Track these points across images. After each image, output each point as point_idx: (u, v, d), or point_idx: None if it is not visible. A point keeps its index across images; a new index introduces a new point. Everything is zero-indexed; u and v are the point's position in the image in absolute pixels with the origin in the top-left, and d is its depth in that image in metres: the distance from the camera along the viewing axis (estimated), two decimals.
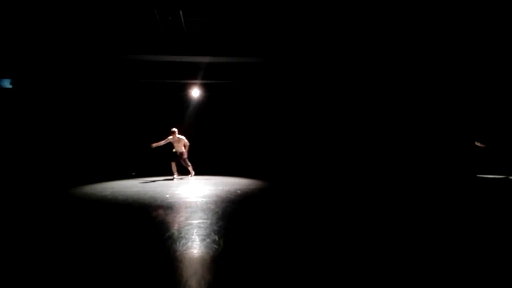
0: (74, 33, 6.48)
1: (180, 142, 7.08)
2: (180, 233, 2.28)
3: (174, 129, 7.04)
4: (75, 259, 1.82)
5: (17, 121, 8.11)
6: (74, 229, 2.55)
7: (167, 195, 4.29)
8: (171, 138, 7.01)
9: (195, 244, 2.03)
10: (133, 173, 8.38)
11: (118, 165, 8.86)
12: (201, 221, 2.69)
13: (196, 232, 2.31)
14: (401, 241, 2.16)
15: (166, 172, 8.50)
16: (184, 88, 8.88)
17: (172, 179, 6.76)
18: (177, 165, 7.18)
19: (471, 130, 8.35)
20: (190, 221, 2.67)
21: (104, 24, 6.22)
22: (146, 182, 6.14)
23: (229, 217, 2.88)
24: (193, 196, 4.20)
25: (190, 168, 7.32)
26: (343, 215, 3.07)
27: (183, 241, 2.09)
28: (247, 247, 2.01)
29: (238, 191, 4.68)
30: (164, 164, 8.96)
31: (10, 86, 8.05)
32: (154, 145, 6.83)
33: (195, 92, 8.90)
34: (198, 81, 8.46)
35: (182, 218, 2.80)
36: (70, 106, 8.68)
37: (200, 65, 8.03)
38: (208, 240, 2.12)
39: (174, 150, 7.18)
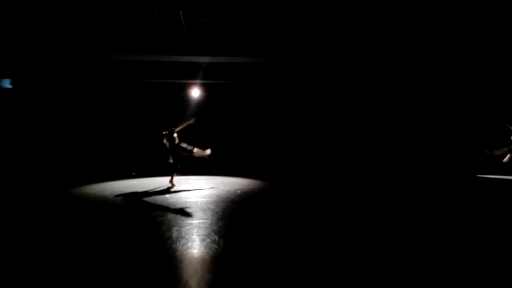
0: (74, 33, 6.48)
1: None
2: (180, 233, 2.28)
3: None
4: (76, 259, 1.81)
5: (17, 121, 8.11)
6: (74, 229, 2.55)
7: (167, 195, 4.29)
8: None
9: (195, 244, 2.03)
10: (133, 173, 8.37)
11: (118, 165, 8.85)
12: (201, 221, 2.69)
13: (196, 232, 2.31)
14: (401, 241, 2.16)
15: (166, 172, 8.50)
16: (184, 88, 8.87)
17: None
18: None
19: (471, 130, 8.35)
20: (190, 221, 2.67)
21: (104, 24, 6.22)
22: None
23: (229, 217, 2.88)
24: (193, 196, 4.20)
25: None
26: (343, 215, 3.07)
27: (183, 241, 2.09)
28: (247, 247, 2.01)
29: (238, 191, 4.68)
30: (163, 164, 8.97)
31: (10, 86, 8.05)
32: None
33: (195, 92, 8.90)
34: (198, 81, 8.45)
35: (182, 218, 2.80)
36: (70, 106, 8.67)
37: (200, 65, 8.03)
38: (208, 240, 2.12)
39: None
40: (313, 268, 1.65)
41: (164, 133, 5.54)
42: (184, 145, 5.59)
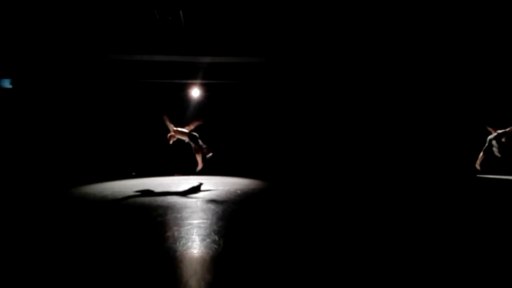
0: (74, 33, 6.48)
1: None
2: (180, 233, 2.28)
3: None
4: (75, 259, 1.81)
5: (17, 121, 8.11)
6: (74, 229, 2.55)
7: (167, 195, 4.29)
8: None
9: (195, 244, 2.03)
10: (133, 173, 8.38)
11: (118, 165, 8.85)
12: (201, 221, 2.69)
13: (196, 232, 2.31)
14: (401, 241, 2.16)
15: (166, 172, 8.51)
16: (184, 88, 8.87)
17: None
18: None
19: (471, 130, 8.35)
20: (190, 221, 2.67)
21: (104, 24, 6.22)
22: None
23: (229, 217, 2.88)
24: (193, 196, 4.20)
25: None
26: (343, 215, 3.07)
27: (183, 241, 2.09)
28: (247, 247, 2.01)
29: (238, 191, 4.68)
30: (163, 164, 8.98)
31: (10, 86, 8.05)
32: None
33: (195, 92, 8.90)
34: (198, 81, 8.46)
35: (182, 218, 2.80)
36: (70, 106, 8.68)
37: (200, 65, 8.03)
38: (208, 240, 2.12)
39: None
40: (313, 268, 1.65)
41: (179, 129, 6.00)
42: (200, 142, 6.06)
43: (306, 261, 1.76)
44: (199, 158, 6.18)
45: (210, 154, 6.05)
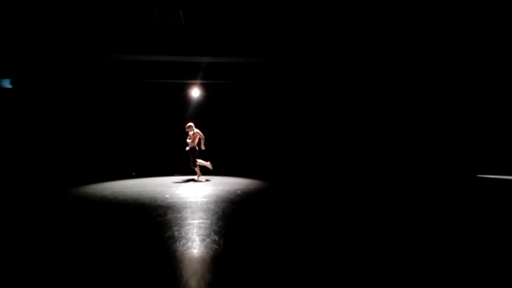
0: (74, 33, 6.48)
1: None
2: (180, 233, 2.28)
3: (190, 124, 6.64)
4: (75, 259, 1.81)
5: (17, 121, 8.11)
6: (74, 229, 2.55)
7: (167, 195, 4.29)
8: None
9: (195, 244, 2.03)
10: (133, 173, 8.38)
11: (118, 165, 8.85)
12: (201, 221, 2.69)
13: (196, 232, 2.31)
14: (401, 241, 2.16)
15: (166, 172, 8.51)
16: (184, 88, 8.88)
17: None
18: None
19: (471, 130, 8.35)
20: (190, 221, 2.67)
21: (104, 24, 6.22)
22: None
23: (229, 217, 2.88)
24: (193, 196, 4.20)
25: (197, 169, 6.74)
26: (343, 215, 3.07)
27: (183, 241, 2.09)
28: (247, 247, 2.01)
29: (238, 191, 4.68)
30: (163, 164, 8.98)
31: (10, 86, 8.05)
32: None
33: (195, 92, 8.90)
34: (198, 81, 8.46)
35: (182, 218, 2.80)
36: (70, 106, 8.68)
37: (200, 65, 8.04)
38: (208, 240, 2.12)
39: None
40: (313, 268, 1.65)
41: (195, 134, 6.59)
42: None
43: (306, 260, 1.76)
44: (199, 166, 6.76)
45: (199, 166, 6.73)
